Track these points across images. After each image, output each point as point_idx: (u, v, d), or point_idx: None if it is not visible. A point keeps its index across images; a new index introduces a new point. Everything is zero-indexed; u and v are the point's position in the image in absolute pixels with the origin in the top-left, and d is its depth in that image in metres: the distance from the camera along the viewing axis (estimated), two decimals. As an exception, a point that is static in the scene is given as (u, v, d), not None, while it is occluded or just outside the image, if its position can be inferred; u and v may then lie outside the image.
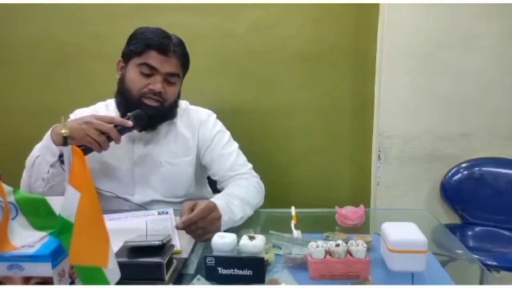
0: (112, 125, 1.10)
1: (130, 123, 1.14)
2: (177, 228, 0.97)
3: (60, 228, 0.62)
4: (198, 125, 1.34)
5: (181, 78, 1.29)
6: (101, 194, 1.26)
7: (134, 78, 1.22)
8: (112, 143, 1.13)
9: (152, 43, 1.20)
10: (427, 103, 1.80)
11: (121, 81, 1.26)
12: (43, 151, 1.14)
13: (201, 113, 1.38)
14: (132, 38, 1.24)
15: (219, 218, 1.02)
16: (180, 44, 1.26)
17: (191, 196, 1.32)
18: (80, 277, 0.61)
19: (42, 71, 1.93)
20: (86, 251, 0.61)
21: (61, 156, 1.10)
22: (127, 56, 1.25)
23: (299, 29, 1.86)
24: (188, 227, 0.96)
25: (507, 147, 1.81)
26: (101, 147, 1.10)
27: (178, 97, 1.31)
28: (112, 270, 0.62)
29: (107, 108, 1.34)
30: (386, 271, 0.87)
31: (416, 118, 1.82)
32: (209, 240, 0.97)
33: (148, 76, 1.21)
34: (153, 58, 1.20)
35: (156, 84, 1.20)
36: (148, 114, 1.20)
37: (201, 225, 0.98)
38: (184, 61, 1.27)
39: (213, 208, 1.01)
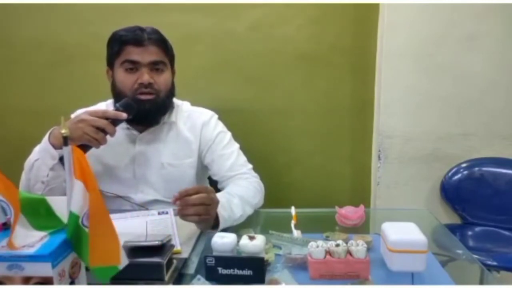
0: (108, 120, 1.11)
1: (124, 115, 1.14)
2: (173, 200, 0.96)
3: (73, 227, 0.63)
4: (200, 127, 1.34)
5: (168, 65, 1.28)
6: (103, 194, 1.26)
7: (122, 78, 1.23)
8: (112, 142, 1.13)
9: (126, 39, 1.21)
10: (427, 103, 1.80)
11: (113, 87, 1.27)
12: (42, 154, 1.14)
13: (203, 114, 1.37)
14: (109, 42, 1.25)
15: (217, 202, 1.01)
16: (155, 31, 1.25)
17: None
18: (99, 277, 0.65)
19: (42, 71, 1.93)
20: (102, 253, 0.64)
21: (62, 158, 1.11)
22: (110, 61, 1.27)
23: (299, 29, 1.85)
24: (183, 197, 0.95)
25: (507, 147, 1.81)
26: (100, 143, 1.10)
27: (173, 87, 1.30)
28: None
29: (108, 109, 1.34)
30: (386, 271, 0.87)
31: (416, 118, 1.82)
32: (204, 221, 0.98)
33: (133, 71, 1.22)
34: (131, 52, 1.21)
35: (143, 76, 1.20)
36: (146, 108, 1.20)
37: (199, 202, 0.96)
38: (164, 47, 1.25)
39: (211, 190, 1.01)
